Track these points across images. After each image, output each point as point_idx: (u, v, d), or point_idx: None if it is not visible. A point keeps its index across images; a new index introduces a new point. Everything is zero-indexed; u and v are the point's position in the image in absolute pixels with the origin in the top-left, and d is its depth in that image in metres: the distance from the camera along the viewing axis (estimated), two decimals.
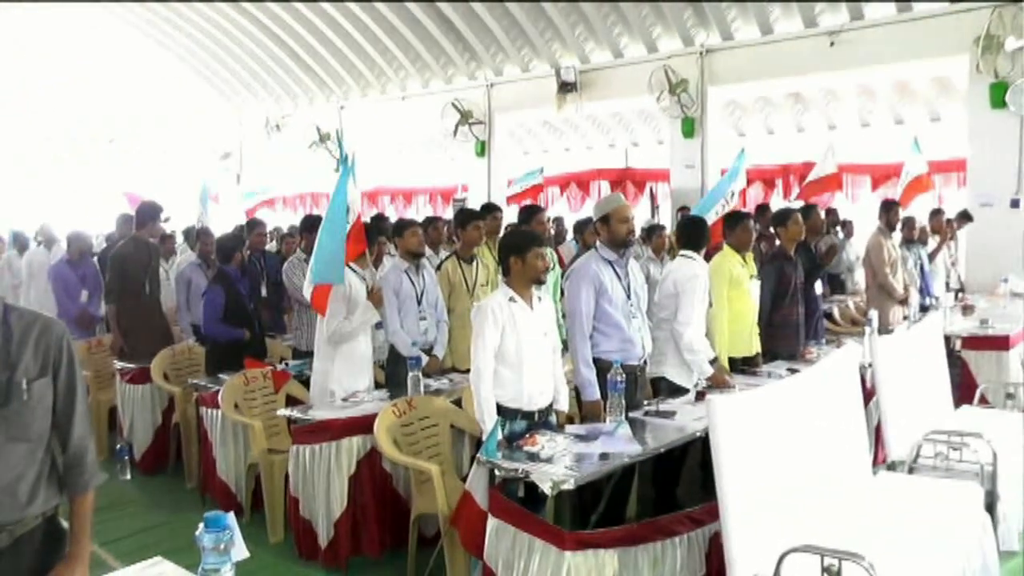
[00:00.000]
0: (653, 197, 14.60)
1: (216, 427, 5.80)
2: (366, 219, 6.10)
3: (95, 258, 9.16)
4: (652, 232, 8.63)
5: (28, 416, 2.40)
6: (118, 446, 4.02)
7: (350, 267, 5.40)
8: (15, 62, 19.87)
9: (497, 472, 3.77)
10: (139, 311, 7.31)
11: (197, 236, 8.46)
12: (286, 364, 6.27)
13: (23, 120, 21.52)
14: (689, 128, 12.30)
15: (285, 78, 17.83)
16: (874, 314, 6.13)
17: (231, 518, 2.07)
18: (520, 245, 4.45)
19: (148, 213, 7.50)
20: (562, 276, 6.72)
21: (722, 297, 5.71)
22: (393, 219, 8.11)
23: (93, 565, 2.59)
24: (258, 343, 6.80)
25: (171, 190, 16.56)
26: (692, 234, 5.63)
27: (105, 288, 7.65)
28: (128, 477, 3.96)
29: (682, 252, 5.55)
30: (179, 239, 11.35)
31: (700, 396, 4.86)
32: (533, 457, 3.79)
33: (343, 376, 5.39)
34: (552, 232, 9.38)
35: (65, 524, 2.58)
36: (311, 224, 6.80)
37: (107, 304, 7.49)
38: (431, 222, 7.44)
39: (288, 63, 17.20)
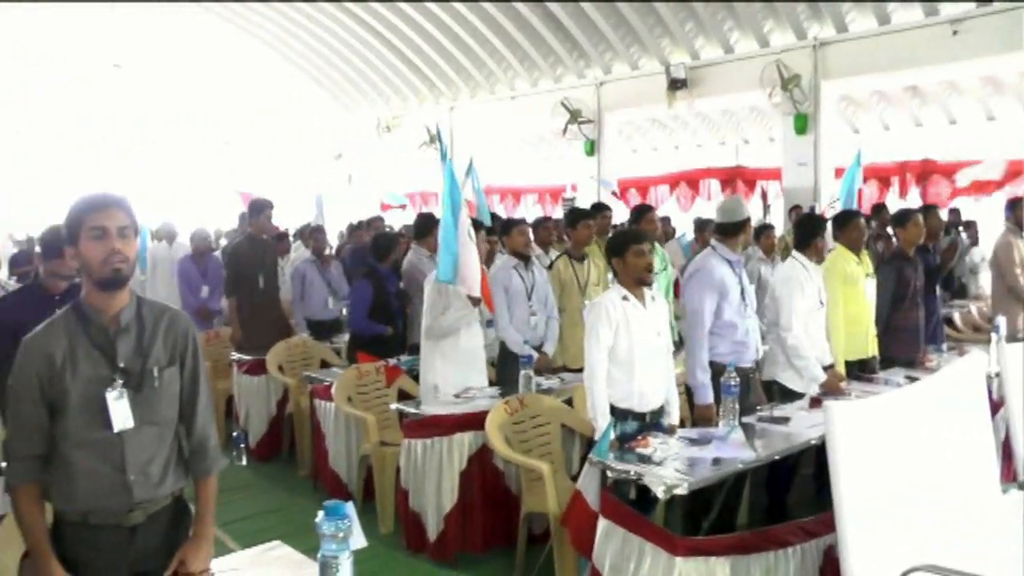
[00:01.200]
0: (764, 196, 14.33)
1: (329, 419, 5.97)
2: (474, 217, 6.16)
3: (217, 254, 9.52)
4: (762, 232, 8.44)
5: (158, 402, 2.56)
6: (234, 433, 4.16)
7: None
8: (134, 68, 20.77)
9: (609, 473, 3.77)
10: (254, 305, 7.54)
11: (310, 234, 8.68)
12: (398, 359, 6.39)
13: (140, 122, 22.47)
14: (801, 124, 11.99)
15: (396, 80, 18.12)
16: (1002, 320, 5.86)
17: (350, 507, 2.14)
18: (619, 245, 4.45)
19: (257, 207, 7.77)
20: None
21: (836, 297, 5.54)
22: (503, 218, 8.17)
23: (214, 546, 2.73)
24: (399, 339, 6.91)
25: (284, 190, 17.05)
26: (802, 233, 5.52)
27: (224, 283, 7.93)
28: (244, 463, 4.10)
29: (793, 254, 5.43)
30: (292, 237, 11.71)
31: (815, 402, 4.77)
32: (645, 459, 3.78)
33: (447, 371, 5.45)
34: (661, 231, 9.29)
35: (190, 505, 2.73)
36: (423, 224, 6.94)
37: (227, 298, 7.77)
38: (541, 222, 7.48)
39: (399, 66, 17.48)
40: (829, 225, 6.03)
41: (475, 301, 5.40)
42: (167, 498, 2.61)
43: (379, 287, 6.72)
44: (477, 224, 5.83)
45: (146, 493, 2.53)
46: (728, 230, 4.97)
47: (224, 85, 21.26)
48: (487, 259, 5.85)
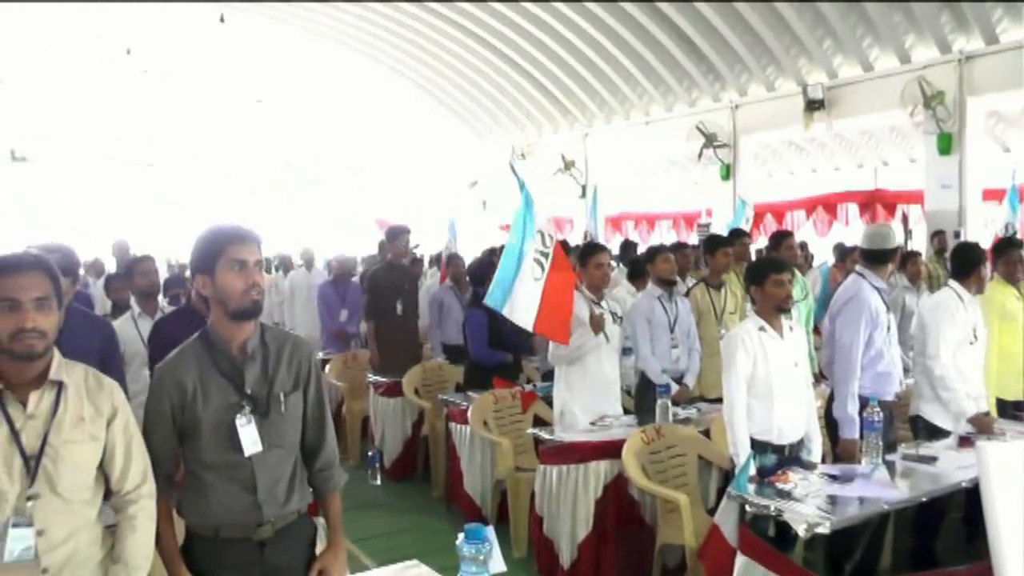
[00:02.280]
0: (905, 220, 13.83)
1: (464, 442, 6.06)
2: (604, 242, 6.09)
3: (357, 279, 9.84)
4: (907, 259, 8.14)
5: (284, 426, 2.70)
6: (370, 453, 4.28)
7: (580, 290, 5.47)
8: (275, 102, 21.72)
9: (748, 508, 3.72)
10: (391, 329, 7.73)
11: (448, 260, 8.88)
12: (534, 385, 6.45)
13: (283, 151, 23.46)
14: (946, 144, 11.47)
15: (530, 107, 18.32)
16: None
17: (490, 531, 2.18)
18: (758, 274, 4.39)
19: (394, 233, 7.99)
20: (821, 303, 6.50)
21: (992, 332, 5.29)
22: (642, 246, 8.14)
23: (347, 559, 2.87)
24: (516, 365, 6.95)
25: (420, 217, 17.47)
26: (960, 261, 5.28)
27: (364, 307, 8.18)
28: (378, 482, 4.19)
29: (949, 283, 5.22)
30: (426, 263, 12.00)
31: (964, 441, 4.57)
32: (785, 495, 3.70)
33: (573, 398, 5.41)
34: (801, 257, 9.09)
35: (315, 520, 2.89)
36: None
37: (366, 321, 8.00)
38: (679, 248, 7.43)
39: (533, 92, 17.67)
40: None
41: (596, 328, 5.33)
42: (293, 514, 2.73)
43: (492, 313, 6.77)
44: (596, 247, 5.80)
45: (274, 511, 2.67)
46: (877, 257, 4.83)
47: (361, 115, 22.01)
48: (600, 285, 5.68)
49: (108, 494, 2.51)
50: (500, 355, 6.74)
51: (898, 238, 5.00)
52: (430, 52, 17.93)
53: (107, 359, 3.94)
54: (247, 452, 2.60)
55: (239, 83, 21.15)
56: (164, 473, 2.65)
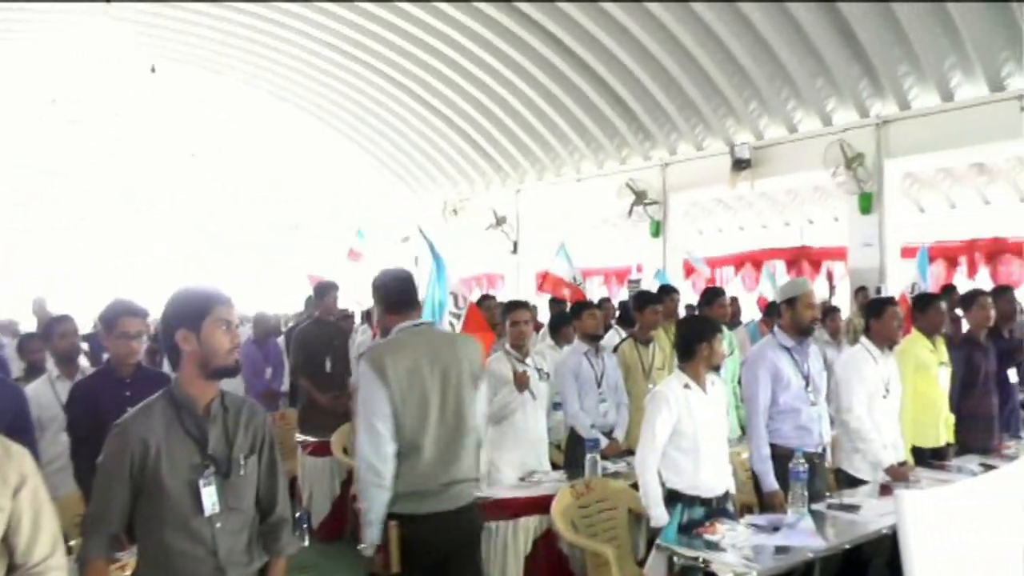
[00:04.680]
0: (830, 277, 14.19)
1: None
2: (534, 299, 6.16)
3: (280, 338, 9.71)
4: (827, 315, 8.35)
5: (242, 488, 2.71)
6: (297, 513, 4.22)
7: (507, 349, 5.49)
8: (209, 156, 21.50)
9: (676, 559, 3.75)
10: (320, 387, 7.62)
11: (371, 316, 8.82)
12: None
13: (216, 205, 23.20)
14: (866, 204, 11.81)
15: (463, 163, 18.45)
16: None
17: None
18: (705, 332, 4.47)
19: (323, 289, 7.94)
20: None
21: (908, 382, 5.45)
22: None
23: None
24: None
25: (351, 272, 17.38)
26: (870, 318, 5.45)
27: (291, 365, 8.06)
28: (306, 543, 4.13)
29: (861, 340, 5.38)
30: (358, 319, 11.89)
31: (884, 490, 4.69)
32: (712, 546, 3.76)
33: (502, 455, 5.43)
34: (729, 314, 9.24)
35: None
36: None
37: (300, 378, 7.87)
38: (601, 304, 7.55)
39: (466, 148, 17.81)
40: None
41: (520, 386, 5.33)
42: (255, 573, 2.76)
43: None
44: (515, 304, 5.81)
45: (239, 571, 2.68)
46: (777, 309, 5.04)
47: (296, 170, 21.91)
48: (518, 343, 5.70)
49: (12, 567, 2.39)
50: None
51: (802, 289, 5.05)
52: (365, 107, 18.01)
53: (16, 424, 3.86)
54: (207, 512, 2.60)
55: (172, 136, 20.90)
56: (111, 532, 2.61)
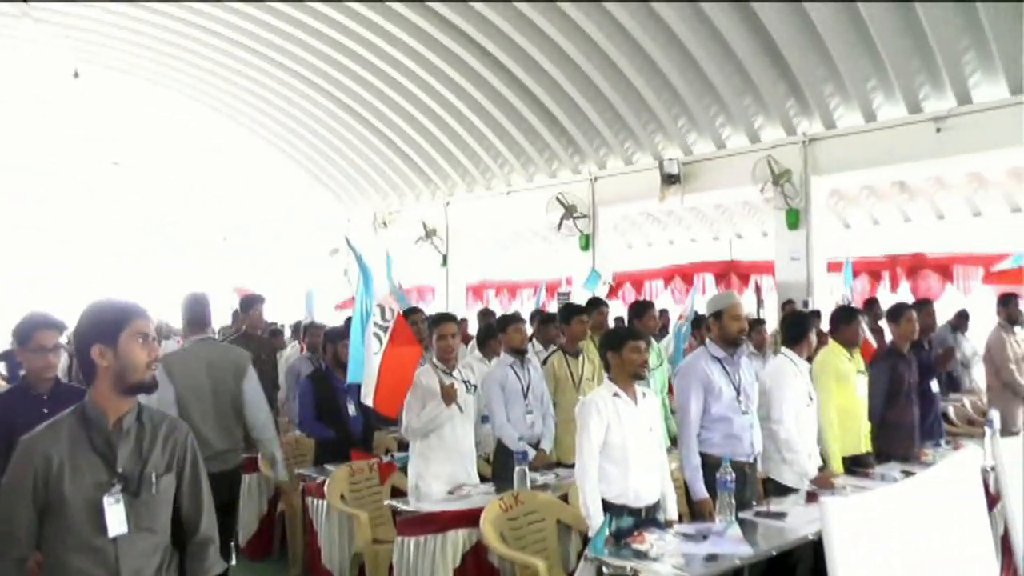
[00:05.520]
0: (758, 290, 14.40)
1: (321, 516, 5.90)
2: (464, 313, 6.16)
3: None
4: (752, 327, 8.45)
5: (155, 508, 2.59)
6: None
7: (434, 363, 5.45)
8: (133, 165, 21.04)
9: (605, 569, 3.76)
10: None
11: (305, 330, 8.68)
12: (391, 456, 6.32)
13: (140, 215, 22.70)
14: (794, 219, 12.07)
15: (392, 175, 18.35)
16: (995, 414, 5.87)
17: None
18: (616, 340, 4.50)
19: (248, 302, 7.80)
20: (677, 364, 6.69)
21: (829, 393, 5.56)
22: (498, 313, 8.21)
23: None
24: (355, 441, 6.58)
25: (281, 285, 17.15)
26: (791, 330, 5.60)
27: None
28: (233, 562, 4.06)
29: (783, 350, 5.48)
30: (288, 333, 11.72)
31: (811, 497, 4.75)
32: (641, 555, 3.76)
33: (429, 469, 5.35)
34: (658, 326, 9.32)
35: None
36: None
37: None
38: (550, 319, 7.59)
39: (396, 161, 17.72)
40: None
41: (448, 399, 5.27)
42: None
43: (323, 386, 6.53)
44: (442, 317, 5.76)
45: None
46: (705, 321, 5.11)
47: (223, 181, 21.55)
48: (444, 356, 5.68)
49: None
50: (324, 431, 6.51)
51: (729, 302, 5.12)
52: (295, 118, 17.81)
53: None
54: (111, 533, 2.48)
55: (94, 144, 20.37)
56: (16, 555, 2.47)
